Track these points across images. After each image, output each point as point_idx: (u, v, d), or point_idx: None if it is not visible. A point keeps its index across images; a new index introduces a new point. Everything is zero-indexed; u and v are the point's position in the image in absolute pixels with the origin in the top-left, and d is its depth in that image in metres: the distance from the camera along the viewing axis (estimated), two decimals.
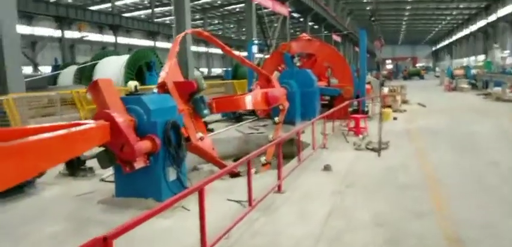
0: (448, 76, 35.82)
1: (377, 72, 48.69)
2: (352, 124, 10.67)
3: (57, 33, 34.27)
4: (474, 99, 21.51)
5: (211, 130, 11.31)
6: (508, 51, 42.05)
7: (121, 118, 4.67)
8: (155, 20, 48.45)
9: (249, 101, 6.92)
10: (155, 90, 6.01)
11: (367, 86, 15.08)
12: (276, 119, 10.57)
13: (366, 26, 72.72)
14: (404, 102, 18.77)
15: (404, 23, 73.44)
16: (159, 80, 6.13)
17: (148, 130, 5.02)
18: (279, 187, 5.80)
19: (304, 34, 15.22)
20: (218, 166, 6.62)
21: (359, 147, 8.69)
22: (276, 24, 28.33)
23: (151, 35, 45.95)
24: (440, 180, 6.18)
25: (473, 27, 64.28)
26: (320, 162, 7.41)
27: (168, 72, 6.11)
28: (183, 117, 5.78)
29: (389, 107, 16.68)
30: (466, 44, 69.80)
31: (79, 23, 34.24)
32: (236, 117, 13.91)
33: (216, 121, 13.52)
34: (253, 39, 21.40)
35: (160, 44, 46.50)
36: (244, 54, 20.86)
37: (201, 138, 6.19)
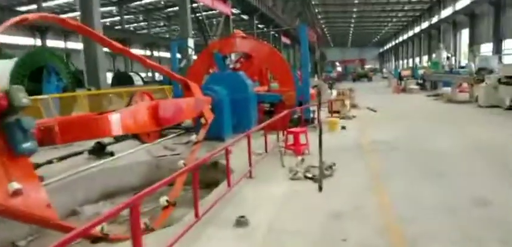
0: (395, 77, 35.29)
1: (326, 75, 47.92)
2: (290, 140, 8.45)
3: None
4: (425, 101, 20.36)
5: (111, 154, 8.60)
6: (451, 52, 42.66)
7: None
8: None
9: (115, 123, 4.26)
10: None
11: (312, 91, 13.02)
12: (193, 137, 8.15)
13: (317, 29, 72.62)
14: (354, 106, 17.04)
15: (352, 25, 73.93)
16: None
17: None
18: None
19: (237, 31, 12.93)
20: (59, 230, 4.04)
21: (295, 175, 6.43)
22: (215, 22, 25.89)
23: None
24: (413, 241, 4.02)
25: (417, 29, 65.77)
26: (235, 207, 5.06)
27: None
28: None
29: (337, 112, 14.86)
30: (411, 45, 71.42)
31: None
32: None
33: (122, 139, 10.79)
34: (190, 37, 18.80)
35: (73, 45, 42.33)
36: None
37: (17, 192, 3.58)
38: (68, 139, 4.22)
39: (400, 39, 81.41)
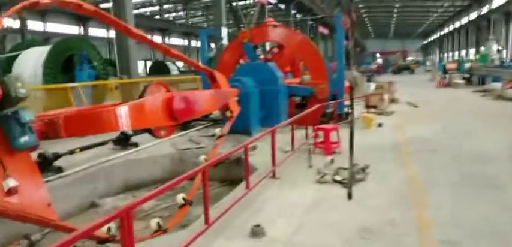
0: (440, 70, 33.32)
1: (365, 67, 46.22)
2: (320, 137, 7.86)
3: None
4: (471, 97, 18.90)
5: (135, 145, 8.42)
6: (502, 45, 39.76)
7: None
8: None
9: (124, 116, 3.89)
10: None
11: (347, 83, 12.28)
12: (217, 131, 7.75)
13: (357, 19, 70.37)
14: (393, 101, 16.07)
15: (394, 15, 70.90)
16: None
17: None
18: None
19: (269, 19, 12.37)
20: (61, 231, 3.77)
21: (323, 177, 5.87)
22: (252, 12, 25.37)
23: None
24: None
25: (464, 20, 62.01)
26: (253, 213, 4.61)
27: None
28: None
29: (374, 107, 14.02)
30: (457, 37, 67.55)
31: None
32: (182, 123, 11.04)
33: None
34: (223, 26, 18.41)
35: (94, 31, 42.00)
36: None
37: (12, 190, 3.32)
38: (72, 133, 3.92)
39: (446, 30, 77.22)
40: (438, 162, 6.87)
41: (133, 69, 13.16)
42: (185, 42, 56.18)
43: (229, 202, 4.73)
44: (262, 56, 11.51)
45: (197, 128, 10.77)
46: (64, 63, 13.07)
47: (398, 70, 51.91)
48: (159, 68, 28.66)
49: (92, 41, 18.21)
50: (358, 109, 13.14)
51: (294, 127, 7.63)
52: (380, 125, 10.51)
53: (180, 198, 5.66)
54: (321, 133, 7.90)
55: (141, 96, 4.86)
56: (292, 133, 7.44)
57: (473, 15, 56.29)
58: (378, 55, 75.99)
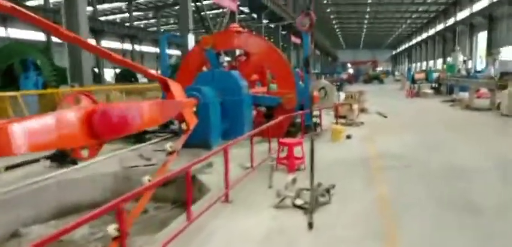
0: (409, 80, 33.62)
1: (337, 76, 46.31)
2: (282, 153, 7.13)
3: None
4: (441, 107, 18.82)
5: (73, 162, 7.41)
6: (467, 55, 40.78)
7: None
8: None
9: (19, 137, 2.95)
10: None
11: (316, 93, 11.71)
12: (169, 146, 6.89)
13: (328, 29, 71.06)
14: (363, 111, 15.65)
15: (365, 26, 72.11)
16: None
17: None
18: None
19: (233, 24, 11.66)
20: None
21: (282, 200, 5.12)
22: (219, 18, 24.64)
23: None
24: None
25: (431, 31, 63.70)
26: None
27: None
28: None
29: (344, 117, 13.50)
30: (425, 47, 69.32)
31: None
32: (136, 135, 10.08)
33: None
34: (190, 32, 17.53)
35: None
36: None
37: None
38: None
39: (414, 41, 79.25)
40: (410, 179, 6.27)
41: (87, 76, 12.08)
42: (130, 46, 53.65)
43: (166, 237, 3.89)
44: (225, 64, 10.71)
45: (153, 141, 9.84)
46: (8, 71, 11.82)
47: (369, 80, 52.51)
48: (126, 76, 27.44)
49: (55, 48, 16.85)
50: (328, 119, 12.60)
51: (253, 142, 6.86)
52: (349, 137, 9.92)
53: (112, 229, 4.78)
54: (285, 147, 7.17)
55: (55, 110, 3.95)
56: (252, 148, 6.67)
57: (439, 27, 57.86)
58: (349, 65, 76.92)
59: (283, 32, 43.66)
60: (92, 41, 41.14)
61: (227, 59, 12.95)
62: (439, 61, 55.98)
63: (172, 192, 7.02)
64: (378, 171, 6.78)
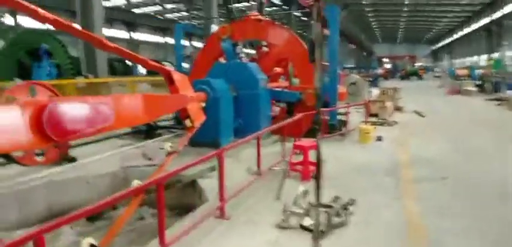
0: (450, 76, 31.43)
1: (371, 71, 44.31)
2: (297, 157, 6.20)
3: None
4: (485, 106, 17.08)
5: (72, 159, 6.84)
6: None
7: None
8: None
9: None
10: None
11: (342, 89, 10.63)
12: (169, 146, 6.18)
13: (364, 22, 68.61)
14: (398, 109, 14.34)
15: (403, 20, 68.77)
16: None
17: None
18: None
19: (253, 13, 10.76)
20: None
21: (287, 218, 4.23)
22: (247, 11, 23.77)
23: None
24: None
25: (475, 25, 59.80)
26: None
27: None
28: None
29: (376, 115, 12.34)
30: (468, 43, 65.33)
31: None
32: (146, 130, 9.48)
33: (114, 136, 9.05)
34: (214, 22, 16.76)
35: None
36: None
37: None
38: None
39: (456, 36, 74.95)
40: (449, 198, 5.15)
41: (101, 67, 11.60)
42: (162, 38, 49.73)
43: None
44: (242, 55, 9.85)
45: (164, 137, 9.18)
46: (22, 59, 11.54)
47: (406, 75, 50.13)
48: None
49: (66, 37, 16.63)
50: (358, 118, 11.47)
51: (265, 142, 6.00)
52: (379, 139, 8.81)
53: (85, 244, 4.14)
54: (298, 151, 6.24)
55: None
56: (259, 150, 5.80)
57: (485, 21, 54.16)
58: (385, 60, 74.04)
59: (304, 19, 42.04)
60: (124, 34, 41.05)
61: (252, 51, 12.12)
62: (483, 57, 52.50)
63: (173, 197, 6.28)
64: (409, 184, 5.70)
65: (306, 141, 6.35)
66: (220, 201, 4.45)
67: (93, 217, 6.05)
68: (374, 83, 31.34)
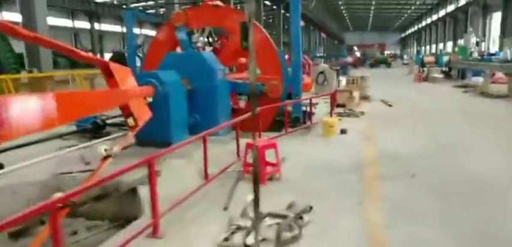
0: (418, 64, 31.67)
1: (341, 59, 44.26)
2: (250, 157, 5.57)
3: None
4: (453, 93, 17.07)
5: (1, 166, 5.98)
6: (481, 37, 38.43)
7: None
8: None
9: None
10: None
11: (307, 80, 10.10)
12: (103, 149, 5.42)
13: (335, 10, 68.57)
14: (365, 98, 13.99)
15: (372, 8, 69.34)
16: None
17: None
18: None
19: None
20: None
21: (232, 235, 3.60)
22: None
23: None
24: None
25: (442, 12, 60.95)
26: None
27: None
28: None
29: (343, 106, 11.91)
30: (435, 30, 66.59)
31: None
32: (94, 129, 8.59)
33: (56, 136, 8.14)
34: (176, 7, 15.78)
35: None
36: None
37: None
38: None
39: (423, 23, 76.35)
40: (418, 198, 4.66)
41: (45, 61, 10.56)
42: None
43: None
44: (199, 45, 9.10)
45: (111, 137, 8.35)
46: None
47: (376, 63, 50.64)
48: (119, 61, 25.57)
49: None
50: (325, 109, 11.00)
51: (207, 142, 5.33)
52: (343, 132, 8.31)
53: None
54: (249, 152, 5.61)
55: None
56: (205, 151, 5.14)
57: (450, 8, 55.22)
58: (355, 48, 74.61)
59: (288, 14, 41.52)
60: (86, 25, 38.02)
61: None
62: (449, 44, 53.60)
63: (112, 207, 5.54)
64: (374, 183, 5.19)
65: (261, 140, 5.72)
66: (152, 217, 3.76)
67: (16, 233, 5.26)
68: (344, 71, 31.19)
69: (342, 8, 68.65)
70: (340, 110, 11.42)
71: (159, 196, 4.85)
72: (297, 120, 9.00)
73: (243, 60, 10.94)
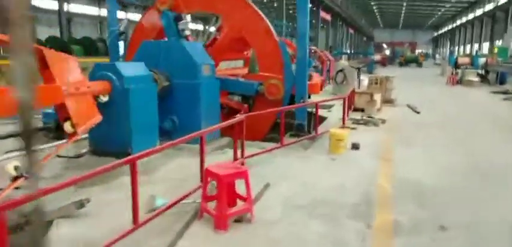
0: (451, 65, 29.16)
1: (368, 56, 41.83)
2: (210, 189, 4.02)
3: None
4: (491, 99, 14.94)
5: None
6: None
7: None
8: None
9: None
10: None
11: (316, 79, 8.48)
12: (13, 166, 4.09)
13: (366, 9, 65.78)
14: (388, 101, 12.19)
15: (404, 4, 65.96)
16: None
17: None
18: None
19: None
20: None
21: None
22: None
23: None
24: None
25: (479, 11, 57.11)
26: None
27: None
28: None
29: (362, 110, 10.24)
30: (471, 29, 62.64)
31: None
32: (56, 128, 7.29)
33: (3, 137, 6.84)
34: None
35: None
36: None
37: None
38: None
39: (458, 22, 72.18)
40: None
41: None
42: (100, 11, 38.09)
43: None
44: (187, 33, 7.64)
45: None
46: None
47: (405, 62, 47.96)
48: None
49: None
50: (339, 112, 9.30)
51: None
52: (355, 147, 6.65)
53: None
54: (214, 182, 4.08)
55: None
56: (134, 180, 3.66)
57: (489, 6, 51.54)
58: (384, 46, 71.58)
59: (311, 6, 39.41)
60: (54, 4, 33.56)
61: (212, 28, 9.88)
62: (485, 45, 50.08)
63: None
64: (384, 241, 3.58)
65: (224, 165, 4.16)
66: None
67: None
68: (370, 69, 29.11)
69: (372, 3, 65.71)
70: (357, 115, 9.75)
71: (76, 241, 3.48)
72: (300, 127, 7.42)
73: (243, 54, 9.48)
